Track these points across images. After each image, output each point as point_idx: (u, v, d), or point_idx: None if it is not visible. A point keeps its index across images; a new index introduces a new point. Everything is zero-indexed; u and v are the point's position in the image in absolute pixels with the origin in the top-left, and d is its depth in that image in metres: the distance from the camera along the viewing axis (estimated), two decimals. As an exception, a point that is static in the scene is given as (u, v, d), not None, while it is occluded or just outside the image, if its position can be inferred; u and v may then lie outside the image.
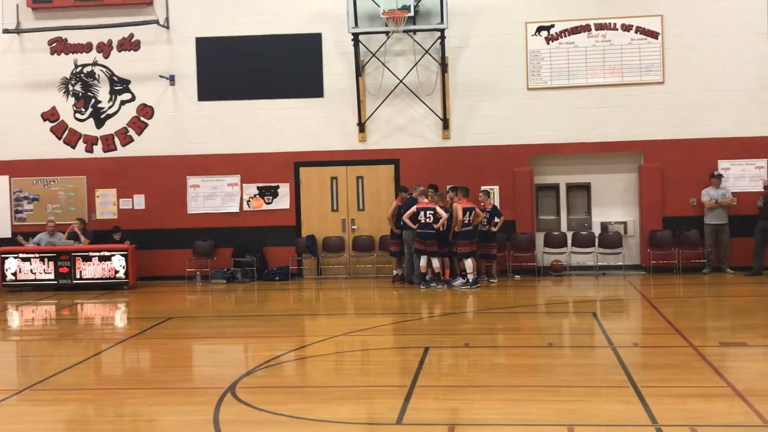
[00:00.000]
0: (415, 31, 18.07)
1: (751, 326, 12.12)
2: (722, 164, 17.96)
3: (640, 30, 18.12)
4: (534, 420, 7.49)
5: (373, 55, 18.43)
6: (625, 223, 18.61)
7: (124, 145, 19.43)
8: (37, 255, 17.99)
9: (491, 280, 17.08)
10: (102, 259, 17.96)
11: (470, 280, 16.37)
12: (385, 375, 9.83)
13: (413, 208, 16.43)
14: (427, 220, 16.32)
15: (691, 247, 17.91)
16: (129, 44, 19.33)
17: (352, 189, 18.86)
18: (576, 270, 18.48)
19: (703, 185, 17.77)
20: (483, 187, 17.78)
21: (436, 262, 16.41)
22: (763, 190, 17.35)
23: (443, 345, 11.13)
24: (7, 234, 19.45)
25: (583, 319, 13.61)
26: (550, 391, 8.62)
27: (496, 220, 16.94)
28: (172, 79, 19.17)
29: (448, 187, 17.22)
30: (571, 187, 18.94)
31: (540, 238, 18.61)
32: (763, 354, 10.41)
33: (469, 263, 16.36)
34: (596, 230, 18.60)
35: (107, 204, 19.43)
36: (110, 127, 19.48)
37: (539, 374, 9.58)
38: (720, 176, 17.72)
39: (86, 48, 19.44)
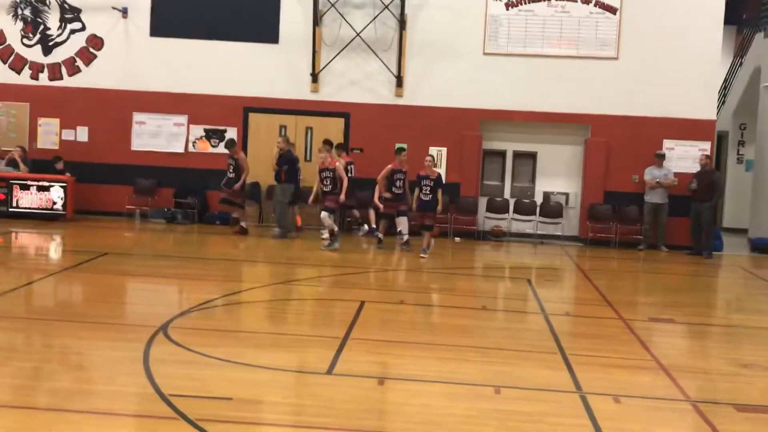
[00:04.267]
0: (376, -15, 17.94)
1: (680, 304, 12.41)
2: (667, 144, 18.22)
3: (599, 4, 18.19)
4: (462, 379, 7.59)
5: (332, 5, 18.24)
6: (567, 195, 18.83)
7: (71, 75, 19.02)
8: (-27, 180, 17.62)
9: (422, 255, 15.06)
10: (40, 188, 17.65)
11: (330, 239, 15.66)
12: (319, 326, 9.89)
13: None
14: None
15: (629, 222, 18.21)
16: (83, -28, 18.86)
17: (300, 139, 18.73)
18: (516, 237, 18.70)
19: (647, 163, 18.01)
20: (431, 150, 17.86)
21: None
22: (697, 171, 17.65)
23: (379, 300, 11.19)
24: (-56, 156, 18.99)
25: (518, 285, 13.79)
26: (479, 352, 8.74)
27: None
28: (125, 12, 18.78)
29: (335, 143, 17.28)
30: (517, 155, 19.07)
31: (483, 202, 18.76)
32: (688, 331, 10.66)
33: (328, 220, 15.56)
34: (538, 199, 18.80)
35: (49, 134, 19.05)
36: (58, 55, 19.05)
37: (471, 335, 9.71)
38: (663, 156, 17.98)
39: (38, -28, 18.95)
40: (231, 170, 17.07)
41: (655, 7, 18.09)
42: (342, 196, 15.57)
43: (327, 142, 16.55)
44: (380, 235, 16.19)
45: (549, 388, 7.44)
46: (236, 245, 16.07)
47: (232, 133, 18.74)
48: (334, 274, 13.26)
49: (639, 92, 18.17)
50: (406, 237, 15.79)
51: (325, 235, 15.86)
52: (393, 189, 15.69)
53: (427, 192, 15.18)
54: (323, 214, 15.51)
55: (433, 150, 18.27)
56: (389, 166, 15.77)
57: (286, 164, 16.58)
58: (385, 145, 18.27)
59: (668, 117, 18.16)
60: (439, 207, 15.21)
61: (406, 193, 15.73)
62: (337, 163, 15.69)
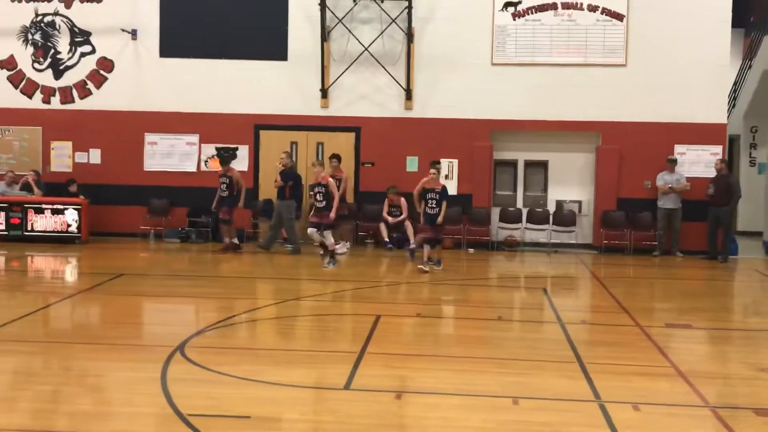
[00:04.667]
0: (382, 0, 17.97)
1: (697, 309, 12.36)
2: (678, 149, 18.17)
3: (606, 11, 18.20)
4: (480, 391, 7.58)
5: (340, 21, 18.31)
6: (580, 203, 18.80)
7: (82, 97, 19.15)
8: (-12, 205, 17.73)
9: (432, 268, 14.79)
10: (55, 212, 17.75)
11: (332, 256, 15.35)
12: (335, 341, 9.89)
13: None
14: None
15: (643, 229, 18.15)
16: (91, -5, 19.02)
17: (311, 155, 18.77)
18: (529, 246, 18.67)
19: (659, 169, 17.98)
20: (443, 162, 17.97)
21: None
22: (714, 176, 17.59)
23: (395, 314, 11.19)
24: (-41, 182, 19.13)
25: (534, 294, 13.76)
26: (497, 363, 8.72)
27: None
28: (134, 34, 18.90)
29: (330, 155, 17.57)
30: (529, 164, 19.08)
31: (496, 213, 18.75)
32: (706, 336, 10.62)
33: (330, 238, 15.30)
34: (551, 208, 18.78)
35: (62, 156, 19.17)
36: (69, 78, 19.18)
37: (487, 346, 9.69)
38: (675, 161, 17.94)
39: (48, -3, 19.11)
40: (224, 188, 16.96)
41: (662, 13, 18.08)
42: (332, 214, 15.15)
43: (335, 157, 16.69)
44: (413, 246, 16.22)
45: (567, 397, 7.42)
46: (253, 262, 16.09)
47: (243, 151, 18.81)
48: (349, 288, 13.27)
49: (649, 98, 18.14)
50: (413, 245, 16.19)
51: (341, 249, 16.03)
52: (426, 209, 14.99)
53: (434, 205, 14.77)
54: (310, 230, 15.30)
55: (444, 161, 18.32)
56: (420, 184, 15.24)
57: (292, 180, 16.64)
58: (396, 158, 18.36)
59: (679, 122, 18.13)
60: (440, 218, 14.73)
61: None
62: (330, 180, 15.41)
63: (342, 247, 16.75)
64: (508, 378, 8.06)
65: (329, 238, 15.16)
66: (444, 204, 14.78)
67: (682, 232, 17.91)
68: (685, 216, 17.84)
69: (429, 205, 14.84)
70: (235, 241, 17.10)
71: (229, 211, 16.92)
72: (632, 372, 8.39)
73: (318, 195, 15.28)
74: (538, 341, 10.05)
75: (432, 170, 15.16)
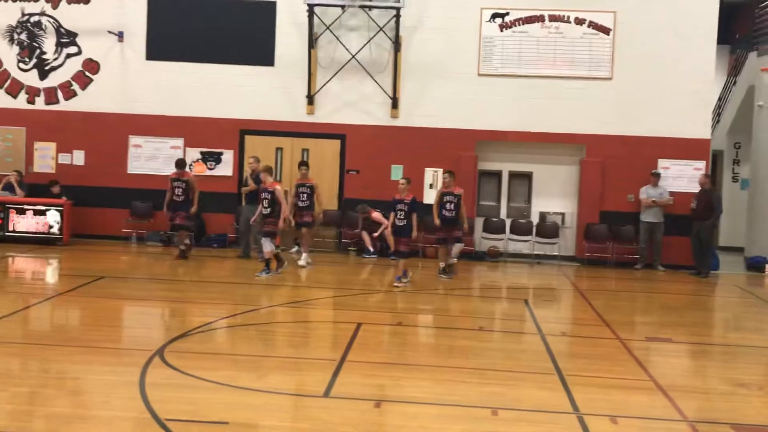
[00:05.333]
0: (370, 8, 18.01)
1: (678, 323, 12.42)
2: (662, 163, 18.26)
3: (593, 25, 18.29)
4: (459, 401, 7.58)
5: (327, 27, 18.32)
6: (563, 215, 18.86)
7: (67, 99, 19.07)
8: (-31, 204, 17.62)
9: (396, 284, 14.10)
10: (37, 212, 17.66)
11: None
12: (316, 348, 9.88)
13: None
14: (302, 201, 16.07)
15: (625, 242, 18.22)
16: (79, -4, 18.96)
17: (296, 161, 18.73)
18: (512, 257, 18.70)
19: (642, 182, 18.06)
20: (426, 171, 18.03)
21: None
22: (697, 191, 17.68)
23: (376, 322, 11.18)
24: (-60, 181, 19.00)
25: (515, 305, 13.79)
26: (476, 373, 8.72)
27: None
28: (120, 36, 18.84)
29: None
30: (513, 175, 19.12)
31: (479, 223, 18.78)
32: (686, 351, 10.66)
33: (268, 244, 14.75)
34: (535, 219, 18.83)
35: (45, 158, 19.07)
36: (54, 79, 19.09)
37: (468, 356, 9.68)
38: (659, 175, 18.02)
39: (34, -3, 19.03)
40: (179, 192, 16.42)
41: (649, 28, 18.18)
42: (281, 222, 14.75)
43: (303, 164, 16.62)
44: (443, 265, 15.43)
45: (546, 409, 7.43)
46: (235, 268, 16.04)
47: (228, 156, 18.78)
48: (331, 296, 13.26)
49: (633, 112, 18.23)
50: (454, 260, 15.37)
51: (303, 262, 15.88)
52: (443, 212, 15.05)
53: (402, 217, 14.39)
54: (263, 239, 14.89)
55: (428, 171, 18.37)
56: (439, 189, 15.53)
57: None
58: (381, 166, 18.36)
59: (663, 136, 18.21)
60: (414, 232, 14.42)
61: (460, 217, 15.13)
62: (277, 186, 14.94)
63: (303, 260, 15.98)
64: (488, 388, 8.07)
65: (267, 245, 14.67)
66: (414, 216, 14.41)
67: (664, 246, 17.99)
68: (667, 230, 17.92)
69: (398, 216, 14.47)
70: (187, 242, 16.69)
71: (187, 216, 16.53)
72: (611, 385, 8.42)
73: (264, 202, 14.82)
74: (518, 352, 10.06)
75: (401, 180, 14.85)
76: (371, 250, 17.68)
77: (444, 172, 15.62)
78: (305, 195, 16.08)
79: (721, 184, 22.58)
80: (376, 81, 18.42)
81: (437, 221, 15.16)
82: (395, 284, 14.08)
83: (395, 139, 18.54)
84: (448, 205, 15.01)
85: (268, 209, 14.81)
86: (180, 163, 16.82)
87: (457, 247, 15.29)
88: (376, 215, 17.57)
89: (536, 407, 7.46)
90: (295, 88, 18.64)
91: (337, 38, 18.38)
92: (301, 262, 15.95)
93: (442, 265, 15.41)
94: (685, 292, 15.78)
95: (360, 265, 16.94)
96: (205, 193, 18.34)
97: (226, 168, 18.80)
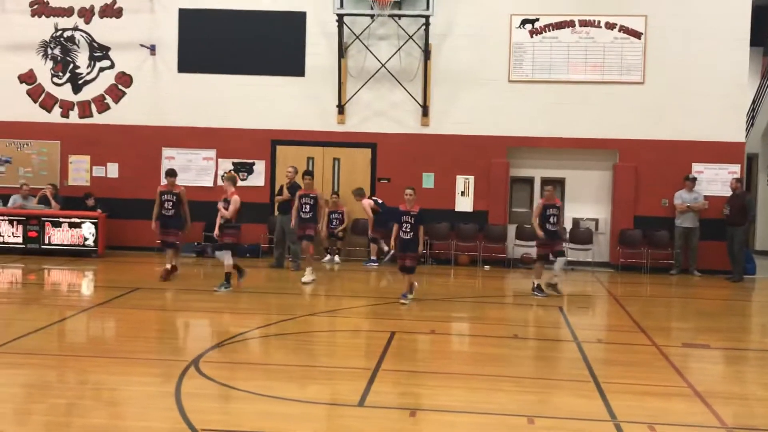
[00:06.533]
0: (400, 16, 18.03)
1: (715, 329, 12.26)
2: (696, 167, 18.09)
3: (624, 29, 18.18)
4: (495, 409, 7.54)
5: (357, 37, 18.36)
6: (597, 220, 18.73)
7: (100, 112, 19.27)
8: (6, 218, 17.83)
9: (402, 300, 13.21)
10: (72, 225, 17.83)
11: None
12: (349, 357, 9.86)
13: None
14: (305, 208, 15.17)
15: (660, 247, 18.05)
16: (111, 11, 19.14)
17: (328, 171, 18.82)
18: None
19: (676, 187, 17.91)
20: (458, 179, 18.03)
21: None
22: (730, 194, 17.49)
23: (409, 330, 11.15)
24: (-22, 195, 19.29)
25: (550, 312, 13.68)
26: (512, 381, 8.67)
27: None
28: (152, 49, 19.01)
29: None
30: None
31: (512, 230, 18.69)
32: (724, 356, 10.53)
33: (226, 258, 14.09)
34: (568, 225, 18.70)
35: (80, 170, 19.28)
36: (87, 93, 19.30)
37: (503, 364, 9.63)
38: (694, 179, 17.86)
39: (68, 12, 19.24)
40: (169, 207, 15.01)
41: (680, 31, 18.04)
42: (215, 232, 14.19)
43: (308, 174, 15.59)
44: (537, 282, 14.59)
45: (583, 416, 7.37)
46: (268, 277, 16.09)
47: (260, 166, 18.86)
48: (364, 305, 13.24)
49: (666, 116, 18.09)
50: (557, 278, 14.69)
51: (306, 278, 15.00)
52: (547, 225, 14.35)
53: (407, 229, 13.13)
54: (217, 253, 14.33)
55: (460, 178, 18.36)
56: (540, 202, 14.77)
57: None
58: (412, 174, 18.34)
59: (697, 140, 18.06)
60: (420, 247, 13.23)
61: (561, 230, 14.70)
62: (235, 196, 14.12)
63: (307, 277, 15.07)
64: (524, 396, 8.01)
65: (225, 258, 13.99)
66: (421, 229, 13.15)
67: (699, 251, 17.81)
68: (703, 235, 17.74)
69: (403, 229, 13.21)
70: (174, 264, 15.39)
71: (178, 233, 15.20)
72: (648, 392, 8.32)
73: (306, 206, 14.92)
74: (553, 360, 10.00)
75: (408, 190, 13.34)
76: (376, 257, 17.83)
77: (546, 185, 15.11)
78: (308, 206, 15.13)
79: (756, 187, 22.32)
80: (406, 89, 18.43)
81: (540, 233, 14.33)
82: (401, 301, 13.13)
83: (426, 146, 18.53)
84: (552, 219, 14.28)
85: (310, 214, 14.89)
86: (171, 173, 15.34)
87: (560, 261, 14.66)
88: (366, 202, 17.52)
89: (573, 415, 7.40)
90: (325, 97, 18.70)
91: (367, 47, 18.42)
92: (305, 279, 15.02)
93: (536, 282, 14.51)
94: (721, 297, 15.60)
95: (393, 274, 16.88)
96: (238, 204, 18.48)
97: (258, 178, 18.89)
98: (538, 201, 15.20)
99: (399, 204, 13.73)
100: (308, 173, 15.63)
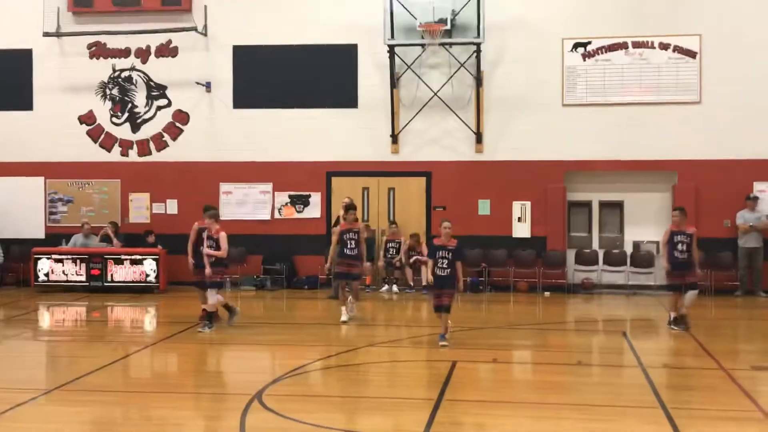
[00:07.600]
0: (450, 45, 18.08)
1: (784, 351, 11.98)
2: (758, 186, 17.76)
3: (678, 49, 17.99)
4: (561, 438, 7.43)
5: (409, 67, 18.44)
6: (657, 243, 18.41)
7: (159, 150, 19.59)
8: (69, 257, 18.17)
9: (441, 343, 11.90)
10: (133, 262, 18.09)
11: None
12: (411, 387, 9.79)
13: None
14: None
15: (723, 269, 17.70)
16: (167, 50, 19.51)
17: (383, 200, 18.86)
18: (607, 289, 18.34)
19: (738, 207, 17.59)
20: (514, 205, 17.98)
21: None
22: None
23: (471, 359, 11.07)
24: (41, 235, 19.64)
25: (613, 338, 13.49)
26: (577, 409, 8.54)
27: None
28: (208, 86, 19.31)
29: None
30: (603, 205, 18.83)
31: (571, 255, 18.50)
32: (795, 379, 10.27)
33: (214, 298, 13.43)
34: (628, 249, 18.45)
35: (140, 208, 19.58)
36: (146, 131, 19.65)
37: (567, 392, 9.50)
38: (756, 199, 17.54)
39: (124, 53, 19.65)
40: (211, 244, 13.55)
41: (736, 48, 17.79)
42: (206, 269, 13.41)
43: (351, 207, 14.73)
44: (673, 315, 13.60)
45: (652, 444, 7.23)
46: (326, 308, 16.11)
47: (316, 198, 18.98)
48: (422, 334, 13.17)
49: (725, 135, 17.82)
50: (685, 310, 13.51)
51: (344, 317, 14.06)
52: (675, 254, 13.31)
53: (444, 266, 11.95)
54: (209, 291, 13.47)
55: (516, 204, 18.26)
56: (668, 228, 13.79)
57: None
58: (467, 202, 18.30)
59: (757, 159, 17.75)
60: (460, 284, 12.14)
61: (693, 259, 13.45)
62: (222, 233, 13.44)
63: (344, 315, 14.10)
64: (590, 425, 7.89)
65: (212, 297, 13.39)
66: (458, 265, 12.06)
67: (765, 271, 17.44)
68: (767, 255, 17.37)
69: (439, 265, 12.05)
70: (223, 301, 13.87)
71: (222, 272, 13.79)
72: (718, 417, 8.15)
73: (351, 242, 13.98)
74: (619, 386, 9.83)
75: (445, 224, 12.27)
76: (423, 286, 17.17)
77: (674, 209, 14.06)
78: (353, 242, 14.04)
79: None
80: (459, 116, 18.43)
81: (667, 265, 13.47)
82: (441, 343, 11.86)
83: (481, 173, 18.48)
84: (680, 246, 13.27)
85: (355, 250, 14.01)
86: (210, 210, 13.88)
87: (691, 294, 13.40)
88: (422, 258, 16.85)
89: (641, 442, 7.26)
90: (379, 127, 18.78)
91: (419, 77, 18.48)
92: (344, 318, 14.05)
93: (672, 315, 13.59)
94: (789, 318, 15.24)
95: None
96: (294, 236, 18.63)
97: (314, 210, 19.00)
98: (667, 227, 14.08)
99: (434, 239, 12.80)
100: (351, 206, 14.77)
